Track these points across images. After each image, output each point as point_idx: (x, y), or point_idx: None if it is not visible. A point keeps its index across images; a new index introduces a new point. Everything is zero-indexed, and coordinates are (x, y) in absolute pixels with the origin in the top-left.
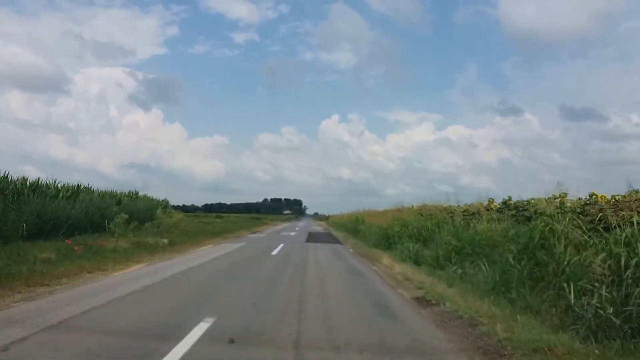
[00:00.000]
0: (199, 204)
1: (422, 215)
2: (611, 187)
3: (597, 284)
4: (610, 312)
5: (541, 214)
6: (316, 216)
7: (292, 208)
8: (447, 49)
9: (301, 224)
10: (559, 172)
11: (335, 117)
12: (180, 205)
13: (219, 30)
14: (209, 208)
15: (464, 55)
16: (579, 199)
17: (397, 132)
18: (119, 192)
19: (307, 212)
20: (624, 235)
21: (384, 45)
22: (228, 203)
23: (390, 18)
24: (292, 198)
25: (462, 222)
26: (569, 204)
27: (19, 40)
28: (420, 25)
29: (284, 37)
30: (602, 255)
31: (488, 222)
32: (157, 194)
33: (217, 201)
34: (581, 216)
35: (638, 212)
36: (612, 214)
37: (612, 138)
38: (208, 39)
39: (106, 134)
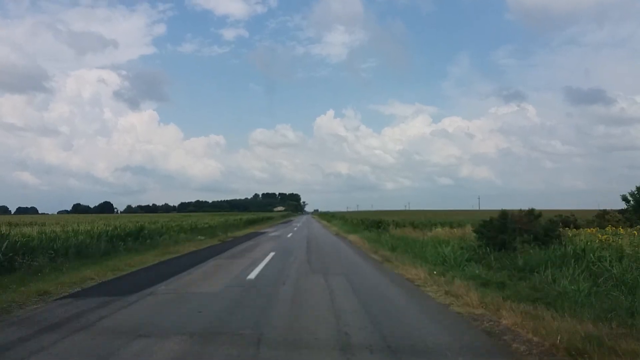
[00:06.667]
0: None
1: None
2: (615, 173)
3: None
4: None
5: None
6: (315, 213)
7: (288, 204)
8: (444, 34)
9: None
10: (560, 160)
11: (331, 112)
12: (150, 205)
13: (207, 27)
14: (184, 207)
15: (462, 41)
16: None
17: (392, 126)
18: None
19: (307, 208)
20: None
21: (378, 31)
22: (210, 201)
23: None
24: (287, 192)
25: None
26: None
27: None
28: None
29: (273, 32)
30: None
31: None
32: (152, 194)
33: (197, 199)
34: None
35: None
36: None
37: (617, 122)
38: (196, 37)
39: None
